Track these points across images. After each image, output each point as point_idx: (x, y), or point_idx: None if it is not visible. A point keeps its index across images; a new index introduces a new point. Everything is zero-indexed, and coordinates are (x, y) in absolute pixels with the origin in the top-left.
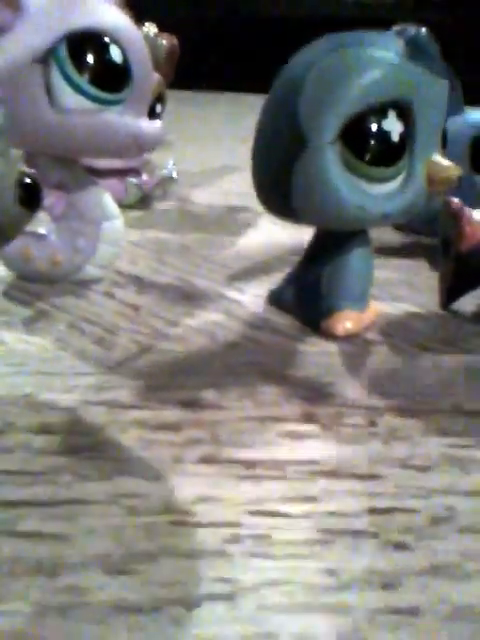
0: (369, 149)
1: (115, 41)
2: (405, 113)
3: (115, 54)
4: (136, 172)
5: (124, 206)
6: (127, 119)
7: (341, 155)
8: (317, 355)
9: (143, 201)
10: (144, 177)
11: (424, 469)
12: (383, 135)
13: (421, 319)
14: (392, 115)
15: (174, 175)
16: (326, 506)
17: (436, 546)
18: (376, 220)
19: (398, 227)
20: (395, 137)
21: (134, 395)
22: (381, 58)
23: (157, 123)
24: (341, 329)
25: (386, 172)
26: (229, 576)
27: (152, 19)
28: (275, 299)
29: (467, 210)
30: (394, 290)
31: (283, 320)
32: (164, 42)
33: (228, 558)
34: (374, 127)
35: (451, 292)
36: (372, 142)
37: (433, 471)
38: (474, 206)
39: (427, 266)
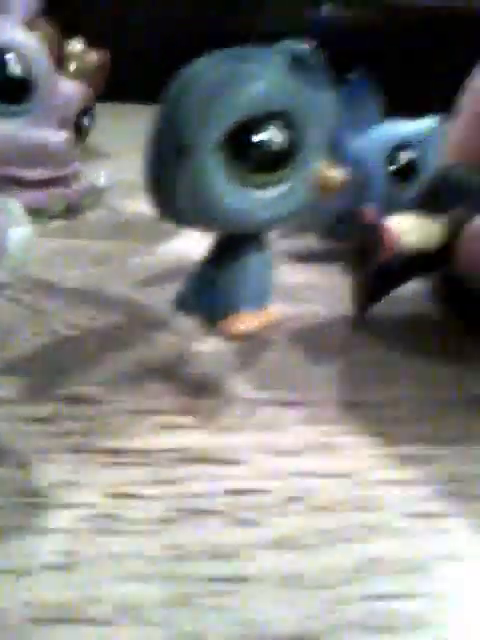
0: (250, 157)
1: (16, 55)
2: (286, 123)
3: (14, 68)
4: (64, 182)
5: (50, 216)
6: (31, 130)
7: (223, 163)
8: (210, 354)
9: (71, 210)
10: (72, 187)
11: (290, 454)
12: (263, 144)
13: (320, 321)
14: (272, 125)
15: (102, 185)
16: (183, 489)
17: (281, 522)
18: (260, 224)
19: (321, 234)
20: (277, 146)
21: (15, 391)
22: (260, 72)
23: (63, 134)
24: (237, 329)
25: (268, 179)
26: (71, 550)
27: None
28: (179, 302)
29: (384, 220)
30: (301, 293)
31: (185, 322)
32: (93, 57)
33: (75, 534)
34: (254, 137)
35: (367, 301)
36: (252, 151)
37: (298, 456)
38: (392, 213)
39: (338, 271)
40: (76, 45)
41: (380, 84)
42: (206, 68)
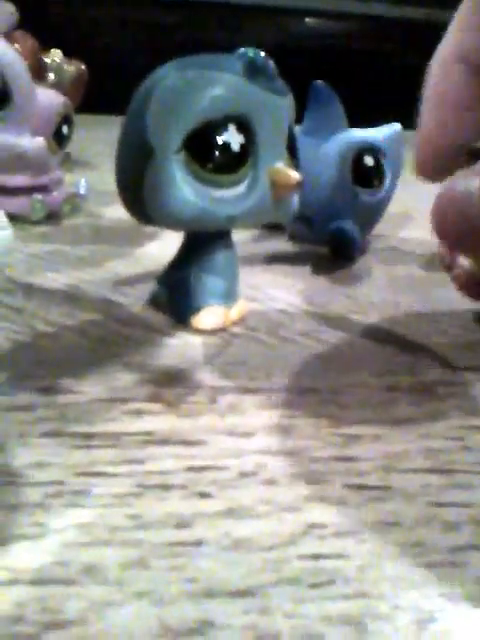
0: (210, 158)
1: None
2: (244, 126)
3: None
4: (45, 189)
5: (31, 222)
6: (7, 136)
7: (186, 164)
8: (179, 347)
9: (51, 217)
10: (53, 194)
11: (247, 435)
12: (223, 146)
13: (288, 316)
14: (232, 128)
15: (83, 191)
16: (148, 467)
17: (235, 494)
18: (222, 222)
19: (291, 237)
20: (235, 147)
21: None
22: (219, 78)
23: (40, 140)
24: (206, 323)
25: (228, 179)
26: (43, 522)
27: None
28: (152, 300)
29: None
30: (271, 292)
31: (158, 318)
32: (71, 68)
33: (46, 508)
34: (214, 139)
35: None
36: (213, 152)
37: (255, 436)
38: (355, 218)
39: (309, 272)
40: (55, 56)
41: (341, 92)
42: (169, 74)
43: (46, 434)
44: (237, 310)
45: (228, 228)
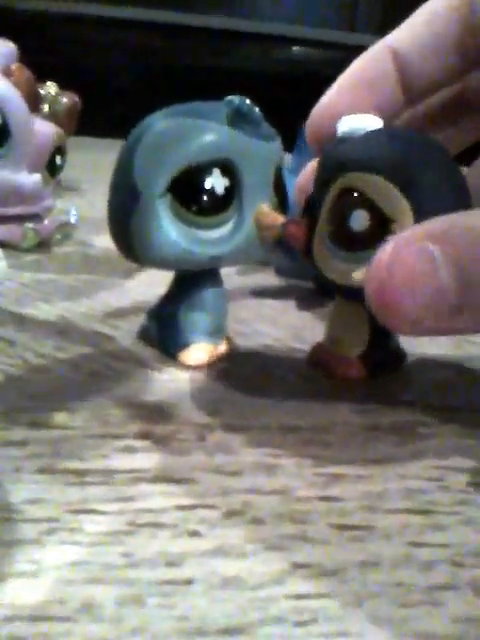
0: (195, 201)
1: None
2: (229, 170)
3: None
4: (37, 218)
5: (22, 250)
6: (5, 173)
7: (171, 206)
8: (169, 382)
9: (42, 245)
10: (45, 222)
11: (234, 474)
12: (207, 189)
13: (274, 352)
14: (216, 172)
15: (73, 220)
16: (139, 505)
17: (223, 534)
18: (206, 262)
19: (278, 271)
20: (220, 191)
21: None
22: (205, 126)
23: (37, 177)
24: (194, 360)
25: (213, 220)
26: (38, 558)
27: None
28: (141, 334)
29: None
30: (258, 326)
31: (148, 353)
32: (65, 100)
33: (41, 545)
34: (199, 183)
35: None
36: (198, 195)
37: (241, 475)
38: None
39: (295, 306)
40: (49, 88)
41: None
42: (157, 121)
43: (40, 470)
44: (224, 347)
45: (214, 268)
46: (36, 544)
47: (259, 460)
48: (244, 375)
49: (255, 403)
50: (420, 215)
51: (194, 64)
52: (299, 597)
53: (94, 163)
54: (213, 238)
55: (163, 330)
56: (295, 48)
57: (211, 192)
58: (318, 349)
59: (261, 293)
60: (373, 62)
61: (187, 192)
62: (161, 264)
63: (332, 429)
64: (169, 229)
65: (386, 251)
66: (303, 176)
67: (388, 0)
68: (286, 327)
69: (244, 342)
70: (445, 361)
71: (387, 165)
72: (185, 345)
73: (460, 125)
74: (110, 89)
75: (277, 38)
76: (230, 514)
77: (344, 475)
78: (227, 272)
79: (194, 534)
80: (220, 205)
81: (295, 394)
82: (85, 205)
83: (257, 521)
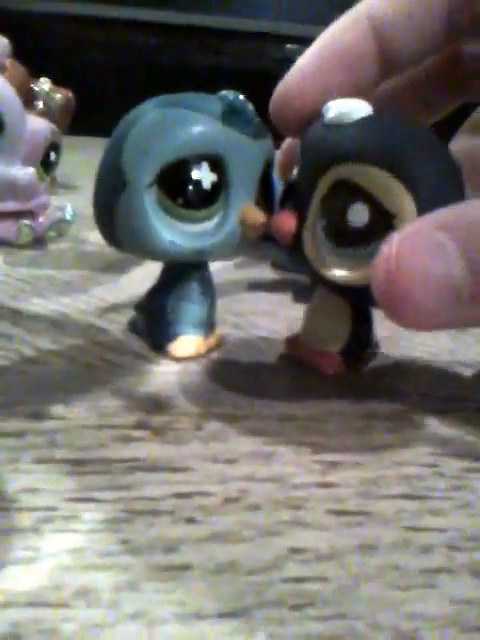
0: (182, 194)
1: None
2: (217, 166)
3: None
4: (32, 214)
5: (17, 246)
6: (0, 166)
7: (157, 197)
8: (165, 374)
9: (37, 242)
10: (40, 219)
11: (230, 462)
12: (194, 183)
13: (270, 344)
14: (205, 166)
15: (68, 217)
16: (136, 493)
17: (220, 519)
18: (190, 254)
19: (274, 265)
20: (207, 185)
21: None
22: (197, 118)
23: (30, 170)
24: (183, 351)
25: (198, 214)
26: (36, 546)
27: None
28: (131, 327)
29: None
30: (254, 319)
31: (143, 345)
32: (58, 96)
33: (39, 533)
34: (187, 176)
35: None
36: (184, 188)
37: (238, 463)
38: None
39: (291, 299)
40: (43, 84)
41: None
42: (149, 110)
43: (37, 460)
44: (213, 339)
45: (197, 260)
46: (33, 532)
47: (256, 448)
48: (240, 366)
49: (251, 393)
50: (422, 209)
51: (190, 63)
52: (296, 581)
53: (89, 162)
54: (198, 231)
55: (151, 322)
56: (289, 45)
57: (198, 186)
58: (293, 343)
59: (257, 286)
60: (349, 33)
61: (174, 184)
62: (144, 254)
63: (329, 418)
64: (154, 220)
65: (393, 243)
66: (283, 154)
67: None
68: (283, 320)
69: (240, 334)
70: (440, 352)
71: (386, 156)
72: (173, 337)
73: (434, 99)
74: (105, 88)
75: (272, 36)
76: (227, 501)
77: (341, 462)
78: (223, 266)
79: (191, 521)
80: (206, 199)
81: (291, 384)
82: (80, 202)
83: (254, 507)
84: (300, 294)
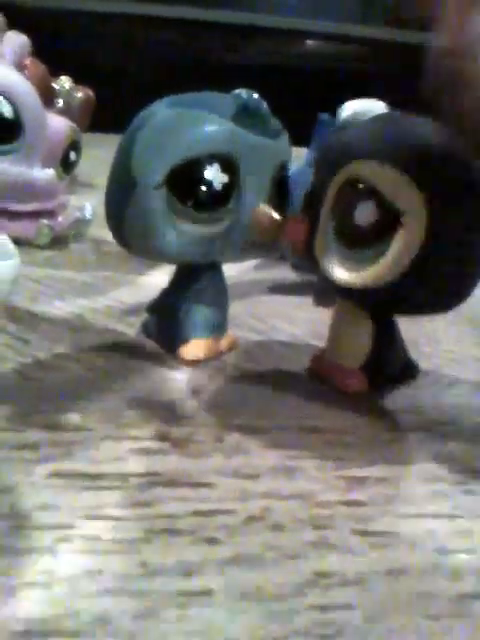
0: (192, 195)
1: (6, 97)
2: (230, 166)
3: (6, 109)
4: (51, 214)
5: (37, 246)
6: (20, 167)
7: (167, 198)
8: (180, 380)
9: (57, 242)
10: (59, 219)
11: (252, 477)
12: (205, 184)
13: (291, 349)
14: (216, 167)
15: (88, 217)
16: (155, 510)
17: (244, 540)
18: (199, 257)
19: (295, 267)
20: (218, 186)
21: (1, 419)
22: (209, 118)
23: (50, 171)
24: (194, 355)
25: (209, 216)
26: (51, 569)
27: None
28: (144, 328)
29: None
30: (274, 322)
31: (157, 349)
32: (79, 94)
33: (55, 554)
34: (197, 177)
35: None
36: (195, 189)
37: (260, 479)
38: None
39: (311, 302)
40: (64, 83)
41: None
42: (160, 109)
43: (54, 474)
44: (226, 341)
45: (208, 262)
46: (49, 553)
47: (278, 463)
48: (260, 374)
49: (273, 403)
50: (434, 207)
51: (209, 60)
52: (322, 609)
53: (108, 159)
54: (208, 233)
55: (162, 324)
56: (309, 42)
57: (209, 187)
58: (318, 359)
59: (278, 289)
60: None
61: (184, 185)
62: (152, 255)
63: (353, 431)
64: (162, 221)
65: None
66: None
67: None
68: (303, 323)
69: (260, 338)
70: (464, 359)
71: (395, 151)
72: (184, 340)
73: None
74: (125, 85)
75: (289, 32)
76: (249, 520)
77: (367, 478)
78: (242, 268)
79: (212, 541)
80: (217, 201)
81: (313, 394)
82: (98, 201)
83: (277, 527)
84: (321, 297)
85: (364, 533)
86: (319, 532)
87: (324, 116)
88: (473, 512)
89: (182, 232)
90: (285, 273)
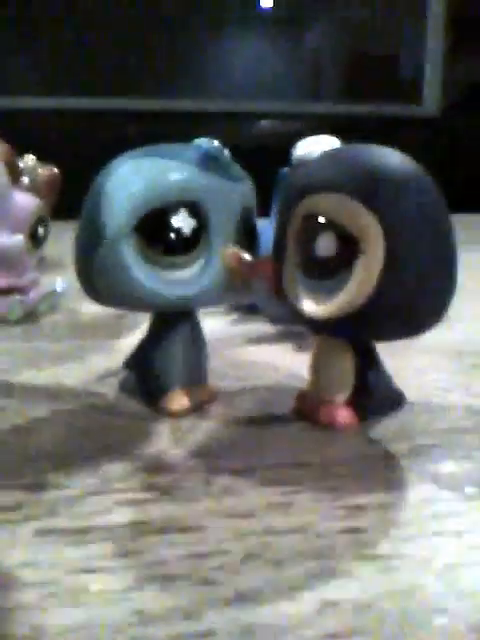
0: (161, 241)
1: None
2: (197, 211)
3: None
4: (22, 290)
5: (9, 322)
6: None
7: (137, 246)
8: (167, 432)
9: (29, 316)
10: (31, 294)
11: (246, 516)
12: (173, 230)
13: (275, 393)
14: (183, 213)
15: (59, 290)
16: (146, 558)
17: (243, 578)
18: (174, 302)
19: (272, 320)
20: (187, 231)
21: None
22: (173, 167)
23: (19, 238)
24: (175, 407)
25: (179, 261)
26: (40, 624)
27: None
28: (122, 384)
29: None
30: (257, 370)
31: (136, 404)
32: (44, 171)
33: (43, 610)
34: (166, 224)
35: None
36: (164, 236)
37: (254, 517)
38: None
39: (292, 349)
40: (28, 160)
41: None
42: (123, 162)
43: (36, 533)
44: (207, 393)
45: (183, 309)
46: (37, 608)
47: (272, 499)
48: (245, 418)
49: (261, 444)
50: (389, 230)
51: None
52: (333, 637)
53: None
54: (180, 278)
55: (140, 378)
56: (263, 122)
57: (177, 232)
58: (303, 398)
59: (258, 340)
60: None
61: (153, 232)
62: (122, 304)
63: (346, 461)
64: (133, 269)
65: None
66: None
67: (348, 68)
68: (285, 369)
69: (242, 385)
70: (452, 387)
71: (346, 180)
72: (164, 392)
73: None
74: (89, 176)
75: (244, 114)
76: (247, 558)
77: (365, 505)
78: (218, 323)
79: (210, 582)
80: (187, 245)
81: (302, 432)
82: (71, 277)
83: (277, 562)
84: (302, 344)
85: (369, 558)
86: (322, 562)
87: (284, 171)
88: (476, 527)
89: (155, 279)
90: (261, 326)
